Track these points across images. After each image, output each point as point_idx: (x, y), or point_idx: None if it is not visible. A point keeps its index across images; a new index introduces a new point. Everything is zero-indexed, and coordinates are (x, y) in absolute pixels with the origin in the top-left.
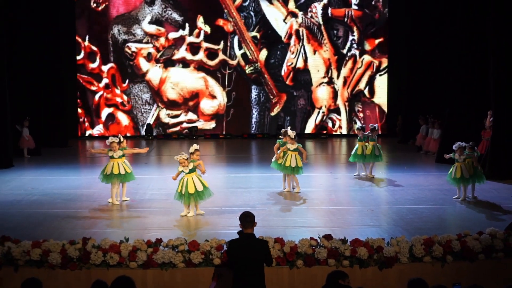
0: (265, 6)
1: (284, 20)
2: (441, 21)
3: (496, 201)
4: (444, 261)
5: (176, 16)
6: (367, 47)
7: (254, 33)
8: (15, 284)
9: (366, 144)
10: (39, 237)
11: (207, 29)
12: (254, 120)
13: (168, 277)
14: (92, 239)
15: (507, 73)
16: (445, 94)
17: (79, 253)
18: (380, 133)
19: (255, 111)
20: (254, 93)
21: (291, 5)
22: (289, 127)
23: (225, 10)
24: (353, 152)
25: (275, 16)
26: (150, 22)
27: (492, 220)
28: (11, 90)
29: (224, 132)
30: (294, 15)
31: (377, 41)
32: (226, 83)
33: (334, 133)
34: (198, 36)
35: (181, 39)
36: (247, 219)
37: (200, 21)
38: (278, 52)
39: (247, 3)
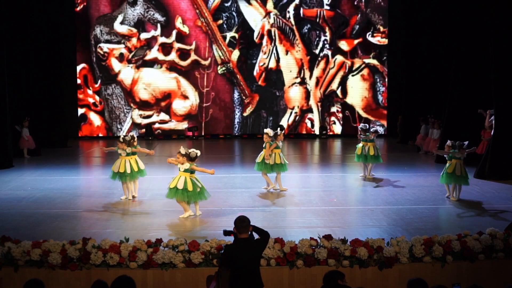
0: (243, 7)
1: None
2: (441, 21)
3: (496, 201)
4: (444, 261)
5: (158, 17)
6: (346, 47)
7: (232, 33)
8: (15, 284)
9: (367, 145)
10: (39, 237)
11: (186, 29)
12: (237, 120)
13: (168, 277)
14: (92, 239)
15: (507, 73)
16: (445, 94)
17: (79, 253)
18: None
19: (238, 112)
20: (236, 94)
21: (270, 6)
22: (272, 128)
23: (197, 11)
24: (356, 152)
25: (254, 16)
26: (134, 23)
27: (492, 220)
28: (11, 90)
29: (220, 133)
30: (279, 15)
31: (356, 42)
32: (205, 83)
33: (312, 133)
34: (175, 36)
35: (153, 39)
36: (242, 224)
37: (178, 22)
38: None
39: (229, 3)
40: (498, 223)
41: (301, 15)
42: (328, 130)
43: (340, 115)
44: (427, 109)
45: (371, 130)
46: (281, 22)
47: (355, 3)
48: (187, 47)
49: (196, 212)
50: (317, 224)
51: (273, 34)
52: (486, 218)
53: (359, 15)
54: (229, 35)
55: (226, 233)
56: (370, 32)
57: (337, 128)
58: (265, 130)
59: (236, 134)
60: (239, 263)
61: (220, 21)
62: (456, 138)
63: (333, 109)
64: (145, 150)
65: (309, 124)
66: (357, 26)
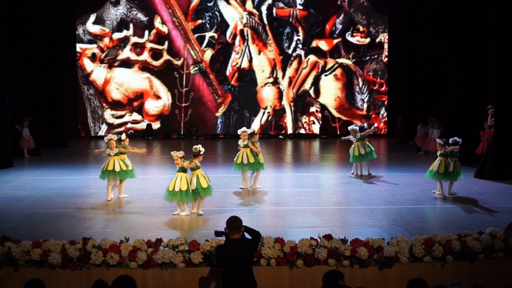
0: (222, 7)
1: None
2: (441, 21)
3: (496, 201)
4: (444, 261)
5: (141, 17)
6: (325, 47)
7: (212, 33)
8: (15, 284)
9: (361, 144)
10: (39, 237)
11: (165, 29)
12: (220, 120)
13: (168, 277)
14: (92, 239)
15: (507, 73)
16: (445, 94)
17: (79, 253)
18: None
19: (220, 111)
20: (226, 93)
21: (249, 5)
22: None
23: (169, 10)
24: (351, 153)
25: (233, 16)
26: (119, 23)
27: (492, 220)
28: (11, 90)
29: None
30: (252, 15)
31: (335, 41)
32: (184, 83)
33: (312, 133)
34: (155, 37)
35: (125, 39)
36: (234, 224)
37: (157, 22)
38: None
39: (212, 3)
40: (498, 223)
41: (274, 14)
42: (307, 130)
43: (320, 115)
44: (427, 109)
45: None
46: (253, 22)
47: (338, 2)
48: (160, 47)
49: (198, 211)
50: (317, 224)
51: (245, 34)
52: (486, 218)
53: (343, 14)
54: (208, 35)
55: (218, 233)
56: (349, 32)
57: (316, 128)
58: (242, 129)
59: (220, 133)
60: (231, 264)
61: (200, 21)
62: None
63: (312, 109)
64: (135, 149)
65: (312, 125)
66: (340, 26)
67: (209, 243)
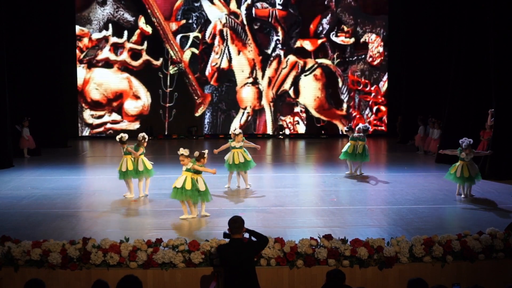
0: (206, 7)
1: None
2: (441, 21)
3: (496, 201)
4: (444, 261)
5: (128, 16)
6: (309, 47)
7: (196, 33)
8: (15, 284)
9: (358, 143)
10: (39, 237)
11: (149, 29)
12: (207, 120)
13: (168, 277)
14: (92, 239)
15: (507, 73)
16: (445, 94)
17: (79, 253)
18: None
19: (208, 111)
20: (206, 93)
21: (233, 5)
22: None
23: (148, 11)
24: (344, 150)
25: (217, 16)
26: (105, 23)
27: (492, 220)
28: (11, 90)
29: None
30: (236, 15)
31: (319, 41)
32: (168, 84)
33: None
34: (139, 37)
35: (104, 39)
36: (235, 224)
37: (141, 22)
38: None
39: (198, 3)
40: (498, 223)
41: (253, 15)
42: (292, 130)
43: (304, 115)
44: (427, 109)
45: (364, 129)
46: (233, 22)
47: (326, 2)
48: (139, 47)
49: (201, 213)
50: (317, 224)
51: (225, 34)
52: (486, 218)
53: (330, 14)
54: (192, 35)
55: (226, 235)
56: (334, 32)
57: (301, 128)
58: (238, 131)
59: (209, 133)
60: (231, 263)
61: (184, 21)
62: (456, 138)
63: (297, 109)
64: (132, 151)
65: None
66: (327, 26)
67: (209, 243)
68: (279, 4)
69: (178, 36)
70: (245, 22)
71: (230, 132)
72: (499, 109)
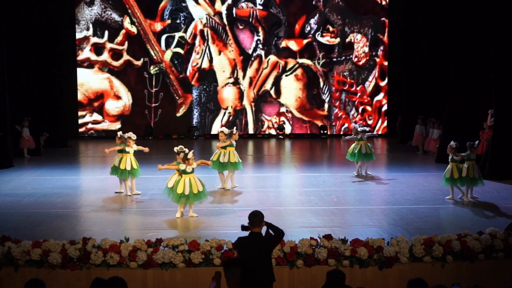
0: (191, 7)
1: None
2: (441, 21)
3: (496, 201)
4: (444, 261)
5: (115, 17)
6: (295, 47)
7: (181, 34)
8: (15, 284)
9: (361, 143)
10: (39, 237)
11: (134, 29)
12: (195, 120)
13: (168, 277)
14: (92, 239)
15: (507, 73)
16: (445, 94)
17: (79, 253)
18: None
19: (196, 112)
20: (195, 93)
21: (218, 5)
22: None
23: (129, 11)
24: (351, 151)
25: (201, 15)
26: (93, 23)
27: (492, 220)
28: (11, 90)
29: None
30: (221, 15)
31: (305, 41)
32: (154, 83)
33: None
34: (123, 38)
35: (85, 39)
36: (255, 219)
37: (126, 22)
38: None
39: (185, 3)
40: (498, 223)
41: (234, 15)
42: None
43: (290, 115)
44: (427, 109)
45: (359, 129)
46: (213, 22)
47: (314, 2)
48: (119, 47)
49: (189, 214)
50: (317, 224)
51: (205, 34)
52: (486, 218)
53: (318, 14)
54: (177, 35)
55: (244, 228)
56: (319, 32)
57: (287, 129)
58: (220, 129)
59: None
60: (248, 256)
61: (169, 21)
62: (456, 138)
63: (283, 109)
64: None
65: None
66: (315, 26)
67: (209, 243)
68: (259, 4)
69: (164, 36)
70: (226, 22)
71: (220, 131)
72: (499, 109)
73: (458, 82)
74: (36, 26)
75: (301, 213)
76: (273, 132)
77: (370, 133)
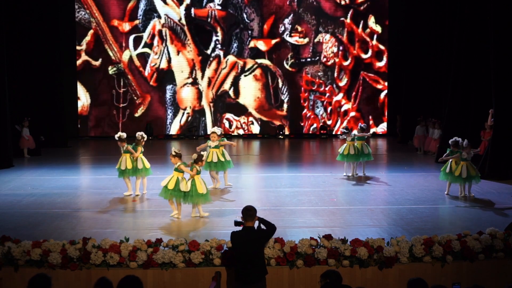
0: (160, 7)
1: (179, 21)
2: (441, 21)
3: (496, 201)
4: (444, 261)
5: (89, 17)
6: (263, 47)
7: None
8: (16, 284)
9: (355, 143)
10: (39, 237)
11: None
12: (169, 121)
13: (168, 277)
14: (92, 239)
15: (507, 73)
16: (445, 94)
17: (79, 253)
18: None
19: (170, 112)
20: (168, 94)
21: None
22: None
23: (87, 11)
24: (341, 151)
25: (171, 15)
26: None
27: (492, 220)
28: (11, 90)
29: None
30: (189, 15)
31: (273, 41)
32: (122, 84)
33: (232, 133)
34: (92, 37)
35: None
36: (249, 212)
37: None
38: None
39: (152, 5)
40: (498, 223)
41: (192, 15)
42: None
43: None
44: (427, 109)
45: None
46: (172, 22)
47: (288, 2)
48: (78, 48)
49: (199, 213)
50: (317, 224)
51: (164, 34)
52: (486, 218)
53: (292, 14)
54: (145, 35)
55: (237, 223)
56: (288, 32)
57: (255, 129)
58: (213, 129)
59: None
60: (241, 249)
61: (137, 21)
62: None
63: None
64: (132, 151)
65: (227, 125)
66: (290, 26)
67: (209, 243)
68: (218, 4)
69: (132, 36)
70: (184, 22)
71: (212, 132)
72: (498, 109)
73: (458, 82)
74: (36, 26)
75: (301, 213)
76: (241, 132)
77: (361, 134)
